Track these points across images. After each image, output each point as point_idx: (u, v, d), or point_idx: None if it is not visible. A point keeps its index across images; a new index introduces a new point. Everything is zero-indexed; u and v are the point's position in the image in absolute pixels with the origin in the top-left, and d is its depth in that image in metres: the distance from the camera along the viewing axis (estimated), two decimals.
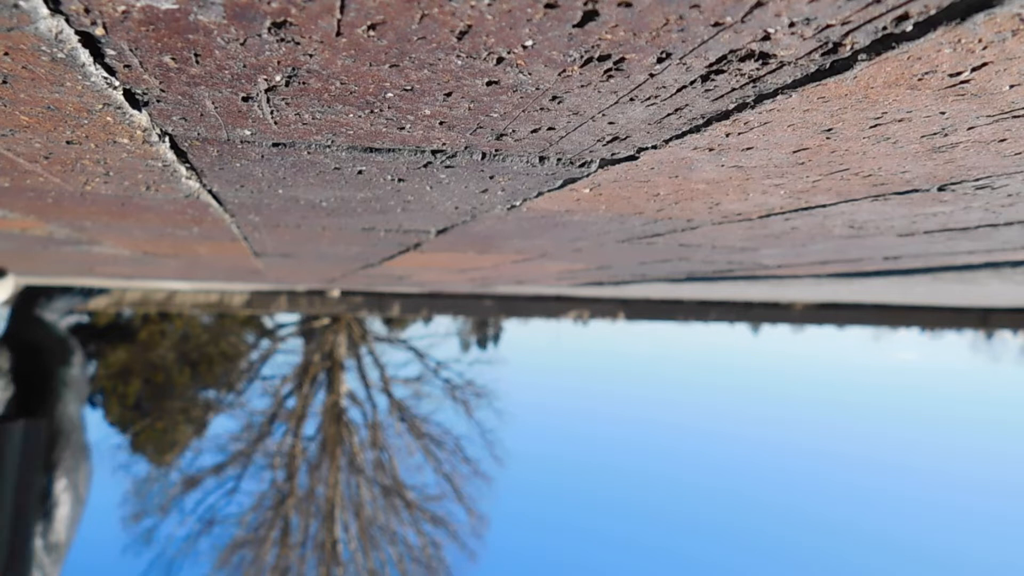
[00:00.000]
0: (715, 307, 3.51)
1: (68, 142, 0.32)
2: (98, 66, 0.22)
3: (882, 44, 0.20)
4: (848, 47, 0.20)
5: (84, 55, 0.21)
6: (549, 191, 0.42)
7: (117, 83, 0.24)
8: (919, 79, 0.23)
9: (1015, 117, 0.27)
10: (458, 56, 0.21)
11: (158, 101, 0.26)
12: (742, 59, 0.21)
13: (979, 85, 0.23)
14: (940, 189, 0.40)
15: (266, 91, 0.24)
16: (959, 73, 0.22)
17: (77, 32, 0.20)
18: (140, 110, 0.27)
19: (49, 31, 0.19)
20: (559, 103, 0.25)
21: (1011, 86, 0.23)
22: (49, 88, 0.24)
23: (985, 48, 0.20)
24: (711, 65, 0.21)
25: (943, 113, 0.26)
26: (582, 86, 0.23)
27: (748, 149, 0.31)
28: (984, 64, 0.21)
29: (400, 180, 0.39)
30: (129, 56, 0.21)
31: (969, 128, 0.28)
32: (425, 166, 0.35)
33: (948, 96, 0.24)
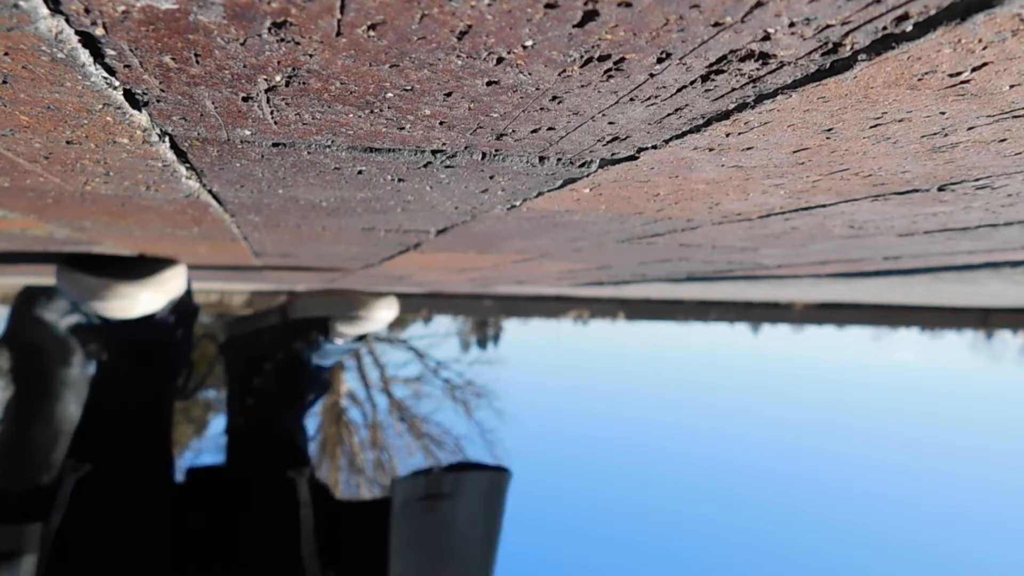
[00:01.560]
0: (715, 307, 3.51)
1: (68, 142, 0.32)
2: (98, 66, 0.22)
3: (882, 44, 0.20)
4: (848, 47, 0.20)
5: (84, 55, 0.21)
6: (549, 191, 0.42)
7: (117, 83, 0.24)
8: (919, 79, 0.23)
9: (1015, 117, 0.26)
10: (458, 56, 0.21)
11: (158, 101, 0.26)
12: (742, 59, 0.21)
13: (979, 85, 0.23)
14: (940, 189, 0.40)
15: (266, 91, 0.24)
16: (959, 73, 0.22)
17: (77, 32, 0.20)
18: (140, 110, 0.27)
19: (49, 31, 0.19)
20: (559, 103, 0.25)
21: (1011, 86, 0.23)
22: (49, 88, 0.24)
23: (985, 48, 0.20)
24: (711, 65, 0.21)
25: (943, 113, 0.26)
26: (582, 86, 0.23)
27: (748, 149, 0.31)
28: (984, 64, 0.21)
29: (400, 180, 0.39)
30: (129, 56, 0.21)
31: (969, 128, 0.28)
32: (425, 166, 0.35)
33: (948, 96, 0.24)
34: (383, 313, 1.33)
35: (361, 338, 1.39)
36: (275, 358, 1.31)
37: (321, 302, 1.32)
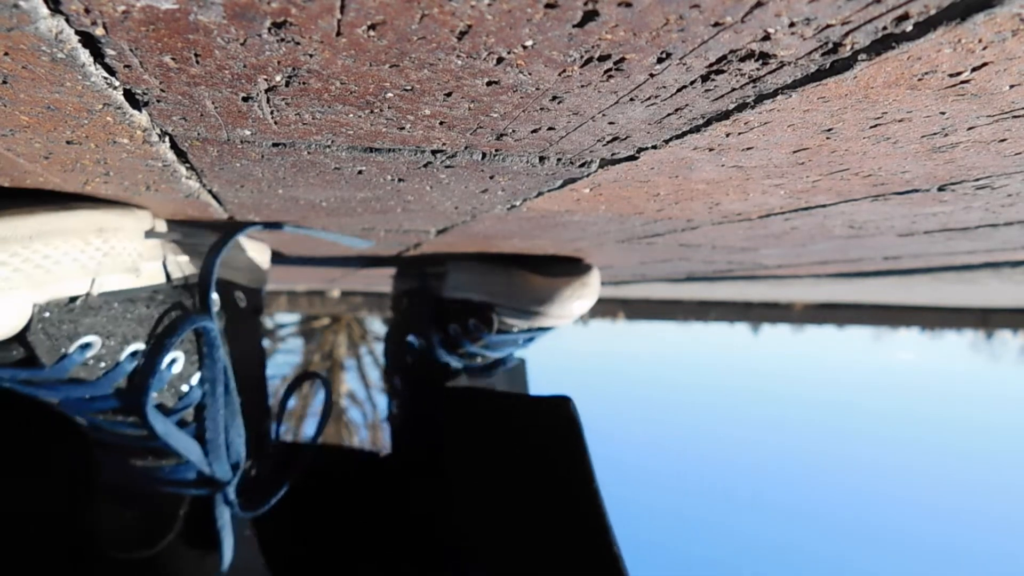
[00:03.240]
0: (715, 307, 3.51)
1: (68, 142, 0.32)
2: (98, 66, 0.22)
3: (882, 44, 0.20)
4: (848, 47, 0.20)
5: (84, 55, 0.21)
6: (549, 191, 0.42)
7: (117, 83, 0.24)
8: (919, 79, 0.23)
9: (1015, 117, 0.27)
10: (458, 56, 0.21)
11: (158, 101, 0.26)
12: (742, 59, 0.21)
13: (979, 85, 0.23)
14: (940, 189, 0.40)
15: (266, 91, 0.24)
16: (959, 73, 0.22)
17: (77, 32, 0.20)
18: (140, 110, 0.27)
19: (49, 31, 0.19)
20: (559, 103, 0.25)
21: (1011, 86, 0.23)
22: (49, 88, 0.24)
23: (985, 48, 0.20)
24: (711, 65, 0.21)
25: (943, 113, 0.26)
26: (582, 86, 0.23)
27: (748, 149, 0.31)
28: (984, 64, 0.21)
29: (400, 180, 0.39)
30: (129, 56, 0.21)
31: (969, 128, 0.28)
32: (425, 166, 0.35)
33: (948, 96, 0.24)
34: (568, 306, 0.86)
35: (546, 328, 0.95)
36: (429, 338, 0.93)
37: (479, 281, 0.88)
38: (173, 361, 0.55)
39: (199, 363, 0.57)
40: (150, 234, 0.53)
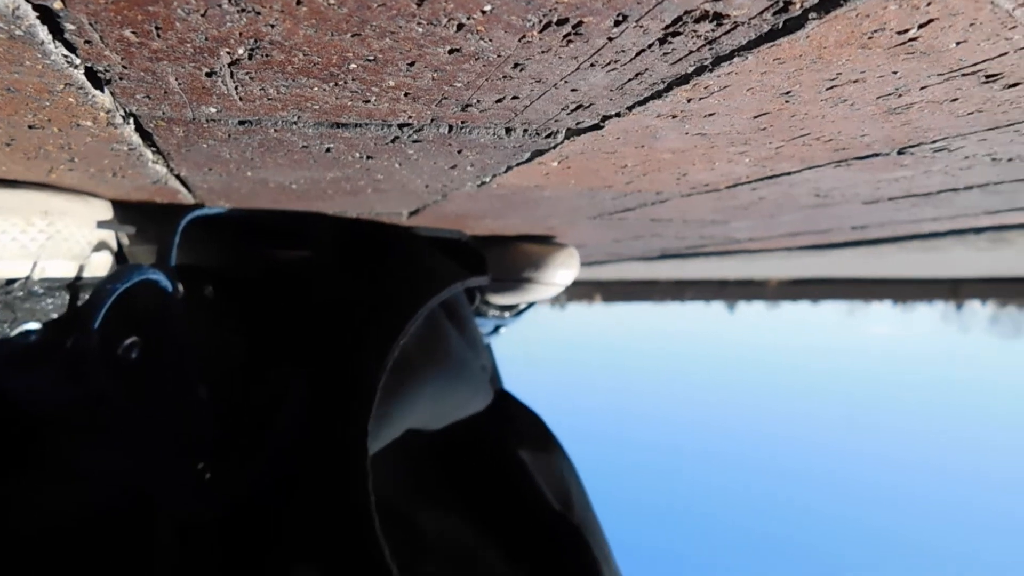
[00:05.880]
0: (691, 286, 3.53)
1: (30, 127, 0.32)
2: (57, 43, 0.22)
3: (831, 1, 0.21)
4: (798, 5, 0.21)
5: (43, 31, 0.21)
6: (518, 164, 0.42)
7: (78, 60, 0.24)
8: (869, 37, 0.23)
9: (964, 75, 0.27)
10: (419, 23, 0.21)
11: (120, 79, 0.25)
12: (697, 20, 0.21)
13: (927, 43, 0.24)
14: (899, 153, 0.41)
15: (229, 65, 0.24)
16: (907, 31, 0.23)
17: (35, 7, 0.20)
18: (102, 89, 0.27)
19: (5, 7, 0.19)
20: (521, 70, 0.25)
21: (957, 43, 0.24)
22: (8, 68, 0.24)
23: (929, 4, 0.21)
24: (667, 27, 0.22)
25: (895, 73, 0.27)
26: (543, 52, 0.24)
27: (710, 115, 0.32)
28: (930, 21, 0.22)
29: (369, 157, 0.39)
30: (89, 31, 0.21)
31: (922, 88, 0.29)
32: (393, 141, 0.35)
33: (899, 55, 0.25)
34: (556, 272, 0.84)
35: (522, 310, 0.91)
36: None
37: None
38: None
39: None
40: (104, 224, 0.50)
